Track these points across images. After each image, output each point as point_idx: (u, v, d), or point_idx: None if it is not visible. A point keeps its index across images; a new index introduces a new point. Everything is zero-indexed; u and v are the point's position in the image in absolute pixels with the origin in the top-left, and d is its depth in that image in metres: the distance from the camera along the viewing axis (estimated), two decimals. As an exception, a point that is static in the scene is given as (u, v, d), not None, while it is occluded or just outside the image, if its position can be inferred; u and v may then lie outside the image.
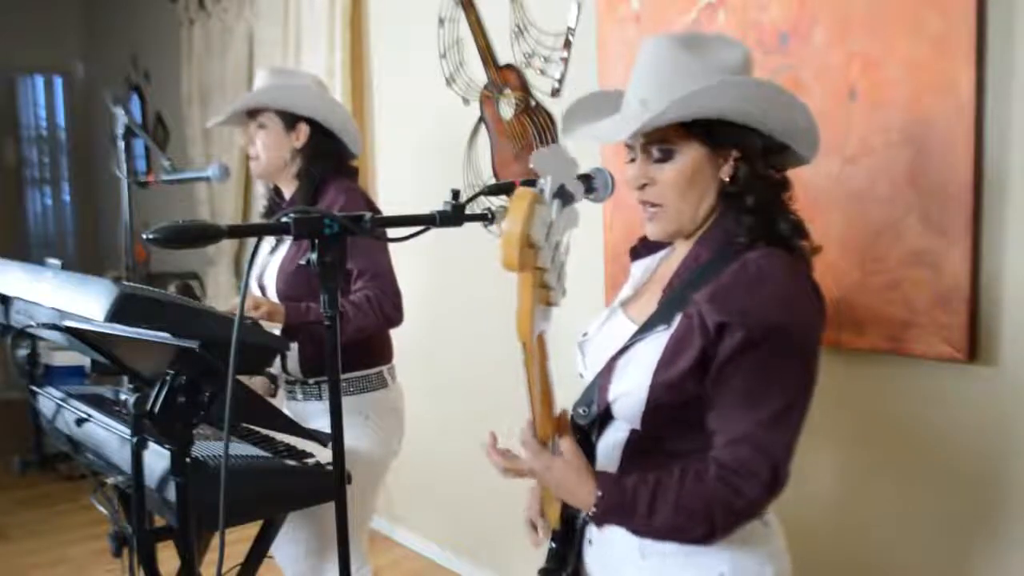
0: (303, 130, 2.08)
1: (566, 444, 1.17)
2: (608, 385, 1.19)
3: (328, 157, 2.11)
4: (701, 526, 1.11)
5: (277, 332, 1.92)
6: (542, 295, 0.99)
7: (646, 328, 1.19)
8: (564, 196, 0.98)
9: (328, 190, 2.06)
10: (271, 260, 2.10)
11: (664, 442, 1.19)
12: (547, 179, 0.98)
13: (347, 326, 1.92)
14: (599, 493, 1.14)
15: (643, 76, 1.21)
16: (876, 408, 1.82)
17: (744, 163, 1.18)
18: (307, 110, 2.07)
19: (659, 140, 1.18)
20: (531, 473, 1.21)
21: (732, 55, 1.19)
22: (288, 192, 2.14)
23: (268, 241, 2.14)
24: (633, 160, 1.23)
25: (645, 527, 1.13)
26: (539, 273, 0.96)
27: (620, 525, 1.16)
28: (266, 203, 2.25)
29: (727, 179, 1.19)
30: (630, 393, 1.16)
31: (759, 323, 1.09)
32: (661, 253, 1.36)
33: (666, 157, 1.19)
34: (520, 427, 1.21)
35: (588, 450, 1.24)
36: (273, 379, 2.09)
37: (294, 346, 1.99)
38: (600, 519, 1.16)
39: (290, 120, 2.08)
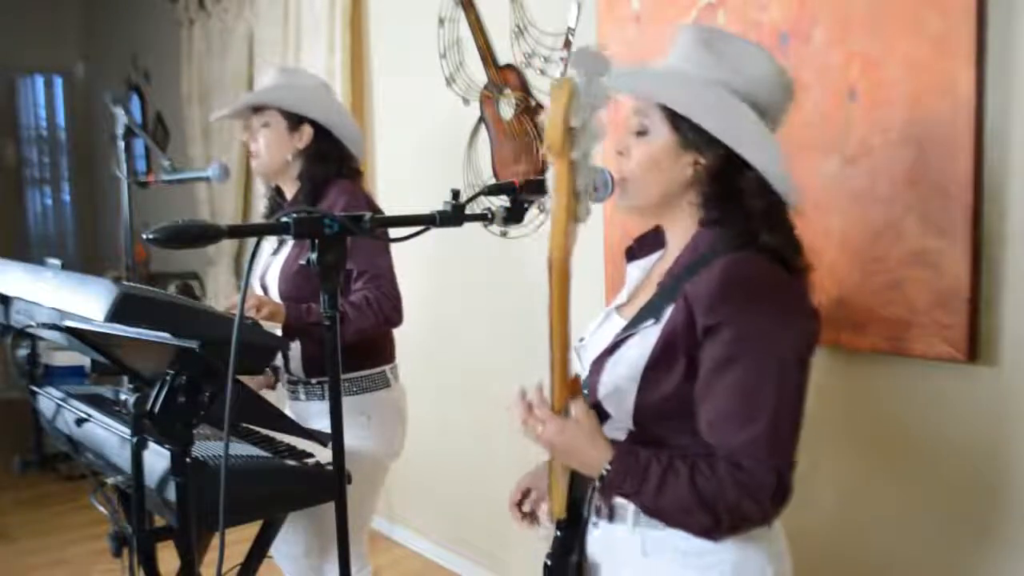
0: (307, 132, 2.08)
1: (578, 406, 1.15)
2: (597, 385, 1.20)
3: (330, 160, 2.10)
4: (707, 515, 1.09)
5: (278, 332, 1.92)
6: (571, 208, 1.02)
7: (635, 322, 1.19)
8: (595, 95, 1.02)
9: (330, 191, 2.06)
10: (273, 261, 2.10)
11: (658, 440, 1.18)
12: (582, 75, 1.01)
13: (346, 328, 1.91)
14: (611, 455, 1.12)
15: (665, 58, 1.24)
16: (876, 408, 1.82)
17: (704, 171, 1.19)
18: (313, 112, 2.07)
19: (643, 114, 1.21)
20: (540, 440, 1.16)
21: (751, 66, 1.20)
22: (290, 192, 2.14)
23: (270, 242, 2.14)
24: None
25: (652, 502, 1.12)
26: (573, 172, 1.00)
27: (628, 497, 1.15)
28: (267, 203, 2.25)
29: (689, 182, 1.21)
30: (619, 394, 1.17)
31: (749, 329, 1.09)
32: (657, 254, 1.36)
33: (642, 132, 1.21)
34: (533, 388, 1.17)
35: None
36: (275, 370, 2.09)
37: (296, 346, 1.99)
38: (610, 486, 1.14)
39: (295, 121, 2.07)
